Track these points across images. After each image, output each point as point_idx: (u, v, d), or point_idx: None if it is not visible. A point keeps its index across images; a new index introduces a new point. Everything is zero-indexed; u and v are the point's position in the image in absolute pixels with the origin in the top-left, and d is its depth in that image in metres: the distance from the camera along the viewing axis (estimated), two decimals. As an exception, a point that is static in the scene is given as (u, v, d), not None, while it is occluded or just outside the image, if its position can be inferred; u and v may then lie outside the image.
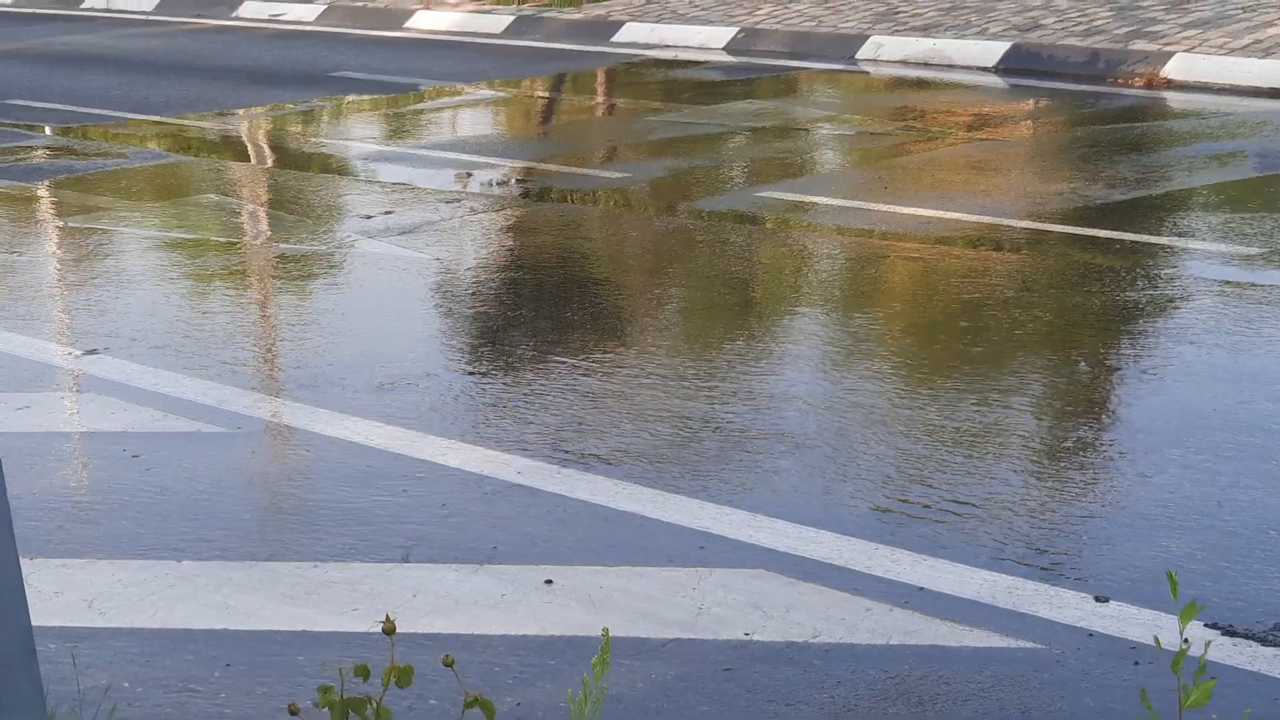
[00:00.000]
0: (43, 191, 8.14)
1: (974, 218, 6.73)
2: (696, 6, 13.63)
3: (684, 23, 12.89)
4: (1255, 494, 3.84)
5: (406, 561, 3.61)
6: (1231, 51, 10.09)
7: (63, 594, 3.50)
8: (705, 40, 12.39)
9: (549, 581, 3.48)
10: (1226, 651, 3.09)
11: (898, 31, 11.72)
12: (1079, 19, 11.61)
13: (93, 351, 5.28)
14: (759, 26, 12.49)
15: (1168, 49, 10.29)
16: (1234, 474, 3.96)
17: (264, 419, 4.64)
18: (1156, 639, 2.42)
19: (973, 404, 4.51)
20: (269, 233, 7.16)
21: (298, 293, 6.12)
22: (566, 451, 4.24)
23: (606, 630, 2.06)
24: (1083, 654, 3.12)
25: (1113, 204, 6.94)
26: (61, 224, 7.43)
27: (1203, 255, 6.11)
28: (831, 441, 4.26)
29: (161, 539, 3.79)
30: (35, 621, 2.16)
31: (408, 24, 14.39)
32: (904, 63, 11.19)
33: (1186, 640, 2.23)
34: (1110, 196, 7.06)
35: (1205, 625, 3.15)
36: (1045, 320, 5.33)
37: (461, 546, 3.68)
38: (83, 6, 17.20)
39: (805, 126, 9.26)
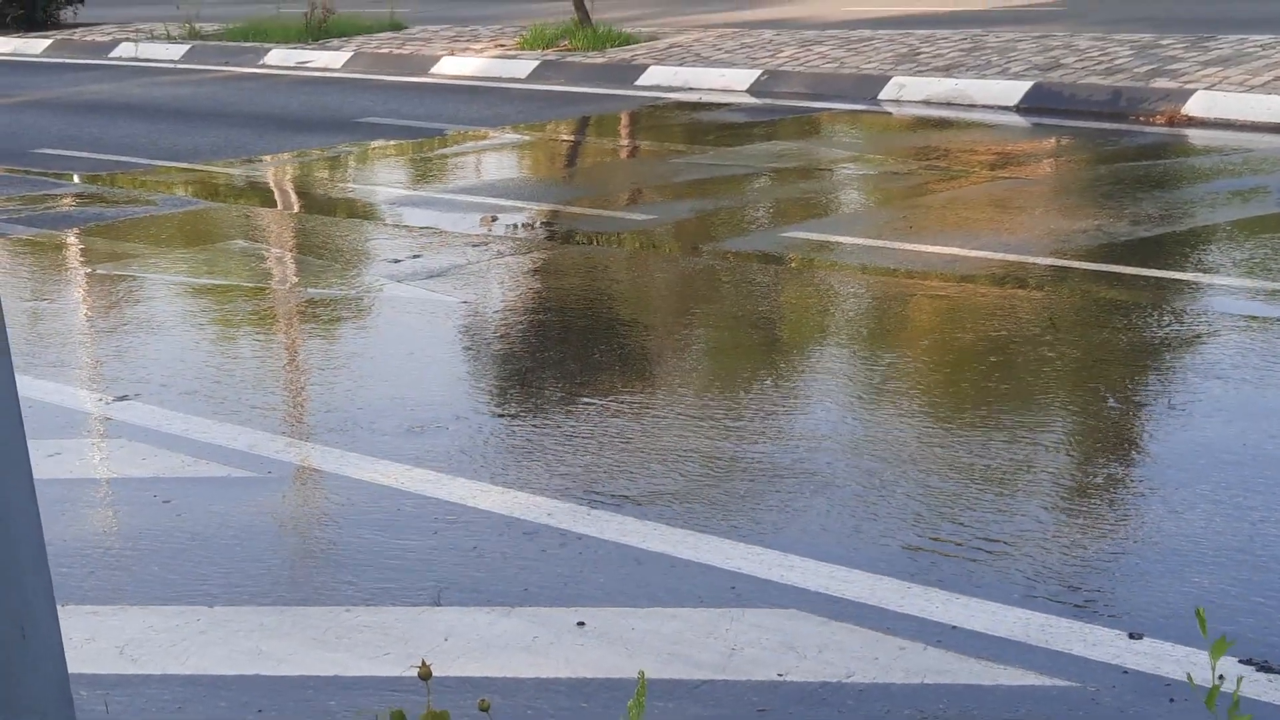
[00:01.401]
0: (72, 239, 8.21)
1: (998, 255, 6.73)
2: (719, 50, 13.70)
3: (707, 65, 12.96)
4: (1288, 530, 3.82)
5: (438, 605, 3.62)
6: (1252, 89, 10.09)
7: (94, 641, 3.52)
8: (728, 83, 12.45)
9: (581, 624, 3.47)
10: (1262, 687, 3.07)
11: (920, 72, 11.76)
12: (1100, 58, 11.64)
13: (123, 398, 5.32)
14: (782, 69, 12.54)
15: (1188, 86, 10.30)
16: (1265, 508, 3.94)
17: (294, 463, 4.66)
18: (1189, 676, 2.41)
19: (1002, 441, 4.50)
20: (297, 278, 7.20)
21: (326, 337, 6.15)
22: (597, 493, 4.24)
23: (642, 673, 2.06)
24: (1118, 691, 3.10)
25: (1137, 240, 6.94)
26: (91, 271, 7.50)
27: (1227, 291, 6.10)
28: (861, 480, 4.26)
29: (193, 584, 3.80)
30: (68, 669, 2.17)
31: (433, 70, 14.51)
32: (926, 103, 11.23)
33: (1221, 677, 2.22)
34: (1134, 233, 7.06)
35: (1240, 661, 3.13)
36: (1072, 357, 5.32)
37: (493, 589, 3.69)
38: (111, 56, 17.39)
39: (829, 167, 9.29)
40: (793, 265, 6.97)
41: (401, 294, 6.63)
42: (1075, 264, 6.59)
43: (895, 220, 7.65)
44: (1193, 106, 10.01)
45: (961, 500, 4.08)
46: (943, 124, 10.50)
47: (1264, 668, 3.14)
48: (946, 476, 4.25)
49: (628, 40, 14.57)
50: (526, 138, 11.14)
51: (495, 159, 10.57)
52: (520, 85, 13.50)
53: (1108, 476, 4.26)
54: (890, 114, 11.20)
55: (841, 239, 7.24)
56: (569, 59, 14.06)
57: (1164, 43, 11.95)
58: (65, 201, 9.31)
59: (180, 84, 14.86)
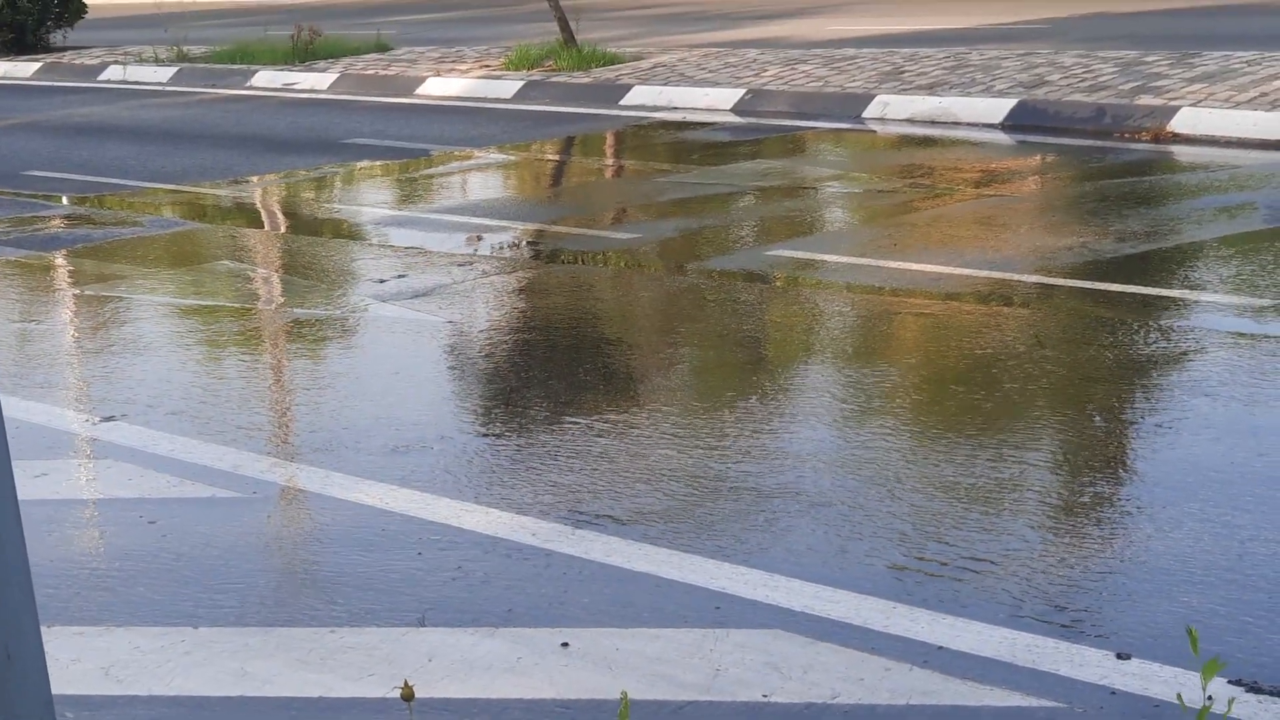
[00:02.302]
0: (60, 260, 8.20)
1: (984, 273, 6.74)
2: (703, 69, 13.73)
3: (691, 85, 12.98)
4: (1276, 547, 3.82)
5: (422, 625, 3.60)
6: (1237, 105, 10.13)
7: (80, 662, 3.50)
8: (713, 102, 12.48)
9: (565, 644, 3.46)
10: (1251, 709, 3.06)
11: (904, 90, 11.79)
12: (1084, 75, 11.68)
13: (110, 418, 5.30)
14: (766, 87, 12.57)
15: (1173, 103, 10.34)
16: (1254, 527, 3.94)
17: (279, 483, 4.65)
18: (1179, 696, 2.41)
19: (988, 460, 4.50)
20: (283, 298, 7.19)
21: (312, 357, 6.14)
22: (581, 513, 4.23)
23: (625, 694, 2.05)
24: (1105, 712, 3.09)
25: (1123, 257, 6.95)
26: (78, 292, 7.48)
27: (1214, 307, 6.10)
28: (846, 499, 4.25)
29: (178, 605, 3.79)
30: (53, 690, 2.16)
31: (419, 90, 14.52)
32: (911, 121, 11.25)
33: (1210, 697, 2.21)
34: (1120, 250, 7.07)
35: (1229, 682, 3.12)
36: (1058, 375, 5.33)
37: (477, 609, 3.67)
38: (100, 79, 17.38)
39: (813, 185, 9.30)
40: (778, 284, 6.97)
41: (387, 314, 6.62)
42: (1061, 281, 6.60)
43: (880, 238, 7.66)
44: (1178, 123, 10.05)
45: (947, 519, 4.08)
46: (927, 142, 10.52)
47: (1253, 688, 3.13)
48: (932, 495, 4.25)
49: (612, 60, 14.60)
50: (512, 157, 11.15)
51: (480, 179, 10.58)
52: (505, 105, 13.52)
53: (1095, 495, 4.26)
54: (874, 132, 11.22)
55: (826, 257, 7.25)
56: (554, 79, 14.08)
57: (1148, 60, 12.00)
58: (54, 223, 9.30)
59: (168, 106, 14.86)
